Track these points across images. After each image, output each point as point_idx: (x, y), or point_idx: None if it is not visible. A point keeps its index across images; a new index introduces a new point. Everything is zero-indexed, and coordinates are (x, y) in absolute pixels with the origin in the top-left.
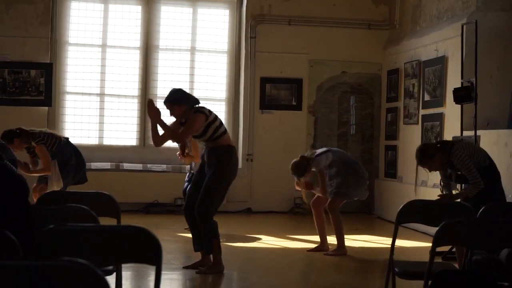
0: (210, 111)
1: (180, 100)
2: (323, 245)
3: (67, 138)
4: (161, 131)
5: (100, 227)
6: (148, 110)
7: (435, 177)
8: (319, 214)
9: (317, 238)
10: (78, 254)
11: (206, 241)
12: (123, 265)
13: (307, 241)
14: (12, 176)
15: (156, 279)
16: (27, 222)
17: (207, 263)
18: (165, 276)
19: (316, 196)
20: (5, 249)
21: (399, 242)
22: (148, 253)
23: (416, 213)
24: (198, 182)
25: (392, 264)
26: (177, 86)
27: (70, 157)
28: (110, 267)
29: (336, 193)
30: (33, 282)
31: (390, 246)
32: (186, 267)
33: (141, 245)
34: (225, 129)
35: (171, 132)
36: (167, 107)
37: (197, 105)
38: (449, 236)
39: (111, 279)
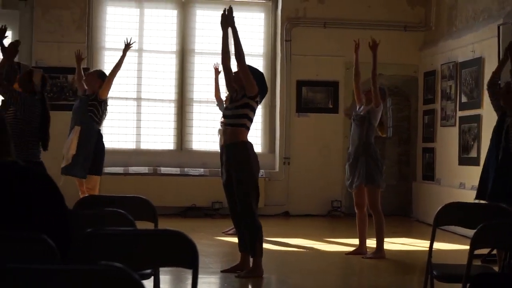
0: (258, 104)
1: (255, 77)
2: (361, 248)
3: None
4: None
5: (136, 231)
6: (228, 15)
7: (473, 179)
8: (362, 215)
9: (355, 241)
10: (115, 258)
11: (251, 243)
12: (162, 269)
13: (345, 244)
14: (46, 180)
15: (193, 283)
16: (65, 227)
17: (245, 267)
18: (203, 280)
19: (357, 196)
20: (43, 253)
21: (438, 245)
22: (185, 256)
23: (454, 215)
24: (229, 182)
25: (430, 267)
26: (214, 89)
27: (91, 138)
28: (148, 271)
29: (368, 180)
30: (70, 286)
31: (428, 249)
32: (224, 271)
33: (177, 248)
34: (249, 129)
35: (241, 48)
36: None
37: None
38: (487, 239)
39: (149, 283)
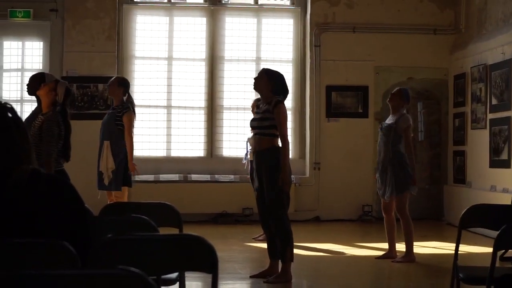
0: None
1: (274, 78)
2: (391, 252)
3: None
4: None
5: (156, 236)
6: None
7: (504, 182)
8: (390, 220)
9: (386, 245)
10: (135, 263)
11: (282, 248)
12: (189, 275)
13: (376, 249)
14: (66, 187)
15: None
16: (85, 233)
17: (274, 272)
18: (232, 285)
19: (384, 202)
20: (64, 259)
21: (469, 248)
22: (204, 261)
23: (479, 217)
24: (260, 188)
25: (456, 270)
26: (244, 96)
27: (123, 150)
28: (173, 277)
29: (398, 189)
30: None
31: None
32: (253, 276)
33: (197, 253)
34: (278, 135)
35: (287, 148)
36: (259, 75)
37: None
38: (510, 240)
39: None
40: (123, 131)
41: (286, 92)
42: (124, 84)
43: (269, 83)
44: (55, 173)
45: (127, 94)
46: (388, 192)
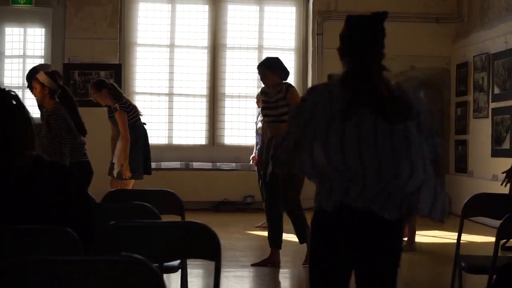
0: None
1: (275, 68)
2: None
3: (144, 123)
4: None
5: (158, 223)
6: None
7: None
8: None
9: None
10: (138, 250)
11: (301, 230)
12: (191, 263)
13: None
14: (68, 174)
15: (216, 274)
16: (88, 220)
17: (275, 260)
18: (234, 273)
19: None
20: (67, 246)
21: (471, 237)
22: (208, 248)
23: (482, 206)
24: (272, 175)
25: (458, 259)
26: (246, 84)
27: (140, 138)
28: (176, 264)
29: None
30: (89, 277)
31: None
32: (254, 264)
33: (200, 241)
34: None
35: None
36: (260, 72)
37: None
38: None
39: (177, 276)
40: (134, 122)
41: (287, 73)
42: (102, 85)
43: (273, 74)
44: (81, 163)
45: (114, 88)
46: None
